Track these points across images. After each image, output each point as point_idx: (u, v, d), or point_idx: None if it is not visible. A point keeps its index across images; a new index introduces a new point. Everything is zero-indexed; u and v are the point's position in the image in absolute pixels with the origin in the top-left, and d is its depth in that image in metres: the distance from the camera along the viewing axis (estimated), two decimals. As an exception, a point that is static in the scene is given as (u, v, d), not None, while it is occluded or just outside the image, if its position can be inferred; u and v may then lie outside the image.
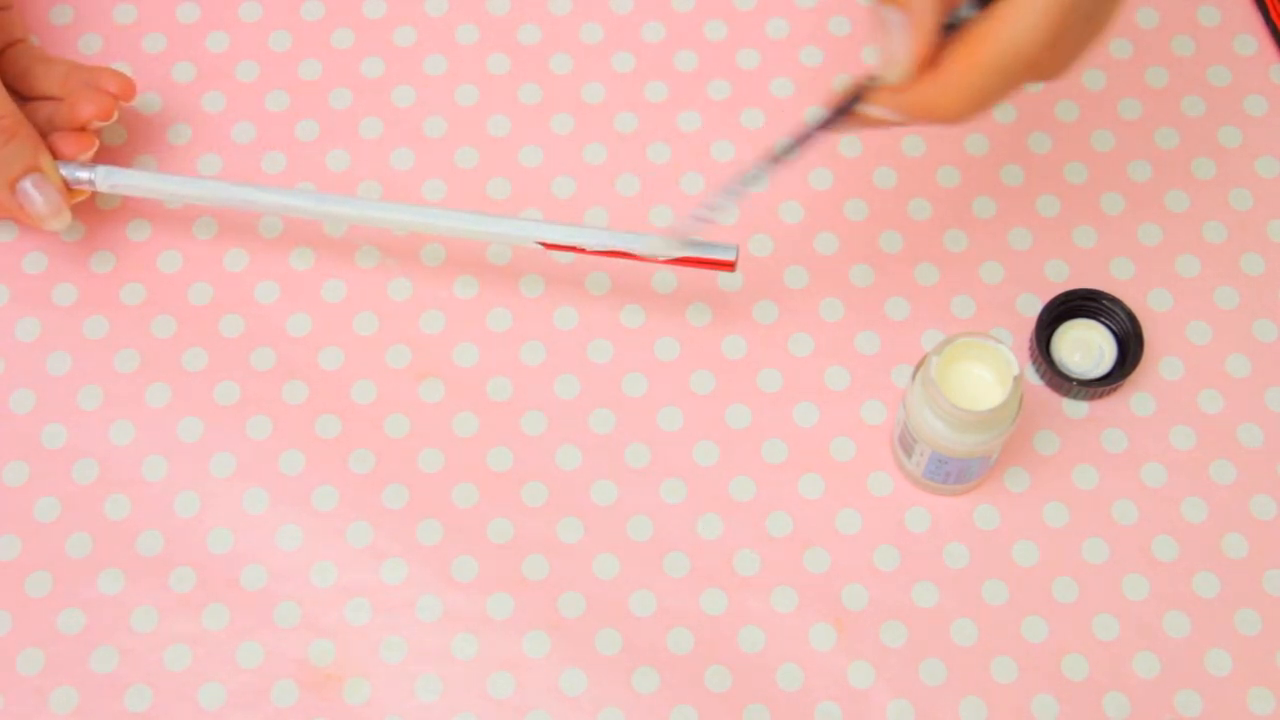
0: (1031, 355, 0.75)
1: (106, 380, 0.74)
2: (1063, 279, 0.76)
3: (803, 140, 0.66)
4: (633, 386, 0.75)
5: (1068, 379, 0.73)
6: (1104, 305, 0.75)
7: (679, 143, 0.79)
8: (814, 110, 0.64)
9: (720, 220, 0.70)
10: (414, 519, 0.72)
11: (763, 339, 0.75)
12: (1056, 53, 0.61)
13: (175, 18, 0.81)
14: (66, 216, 0.73)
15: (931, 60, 0.61)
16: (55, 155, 0.73)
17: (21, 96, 0.75)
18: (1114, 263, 0.77)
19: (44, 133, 0.73)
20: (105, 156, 0.77)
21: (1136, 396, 0.74)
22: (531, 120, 0.80)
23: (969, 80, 0.61)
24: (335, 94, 0.80)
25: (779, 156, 0.66)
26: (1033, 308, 0.75)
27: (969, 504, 0.72)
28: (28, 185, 0.72)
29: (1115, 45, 0.81)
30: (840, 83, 0.64)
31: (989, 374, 0.68)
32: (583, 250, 0.71)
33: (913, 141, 0.79)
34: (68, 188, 0.73)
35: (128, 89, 0.75)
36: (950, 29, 0.62)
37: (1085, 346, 0.75)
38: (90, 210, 0.77)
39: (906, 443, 0.70)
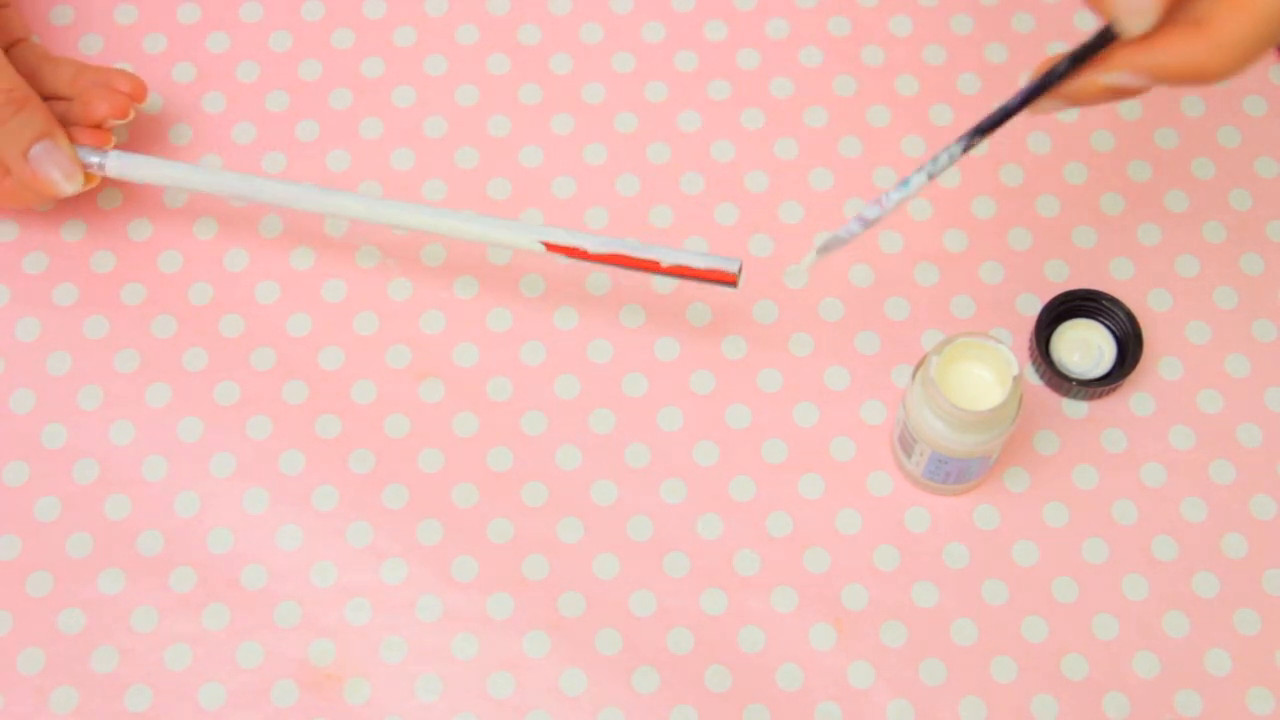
0: (1031, 355, 0.75)
1: (106, 380, 0.74)
2: (1062, 279, 0.76)
3: (1014, 111, 0.60)
4: (633, 386, 0.75)
5: (1067, 379, 0.73)
6: (1104, 305, 0.75)
7: (679, 143, 0.79)
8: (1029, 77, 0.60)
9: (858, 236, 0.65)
10: (414, 519, 0.72)
11: (763, 339, 0.75)
12: None
13: (176, 18, 0.82)
14: (80, 179, 0.73)
15: (1170, 4, 0.55)
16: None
17: None
18: (1114, 263, 0.77)
19: None
20: (105, 156, 0.77)
21: (1136, 396, 0.74)
22: (531, 120, 0.80)
23: (1243, 31, 0.55)
24: (335, 94, 0.80)
25: (974, 140, 0.61)
26: (1033, 308, 0.75)
27: (969, 504, 0.72)
28: (40, 151, 0.72)
29: (1115, 45, 0.81)
30: (1054, 49, 0.60)
31: (989, 374, 0.68)
32: (585, 254, 0.71)
33: (912, 141, 0.79)
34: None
35: (139, 89, 0.75)
36: None
37: (1085, 346, 0.75)
38: (91, 210, 0.77)
39: (906, 443, 0.70)
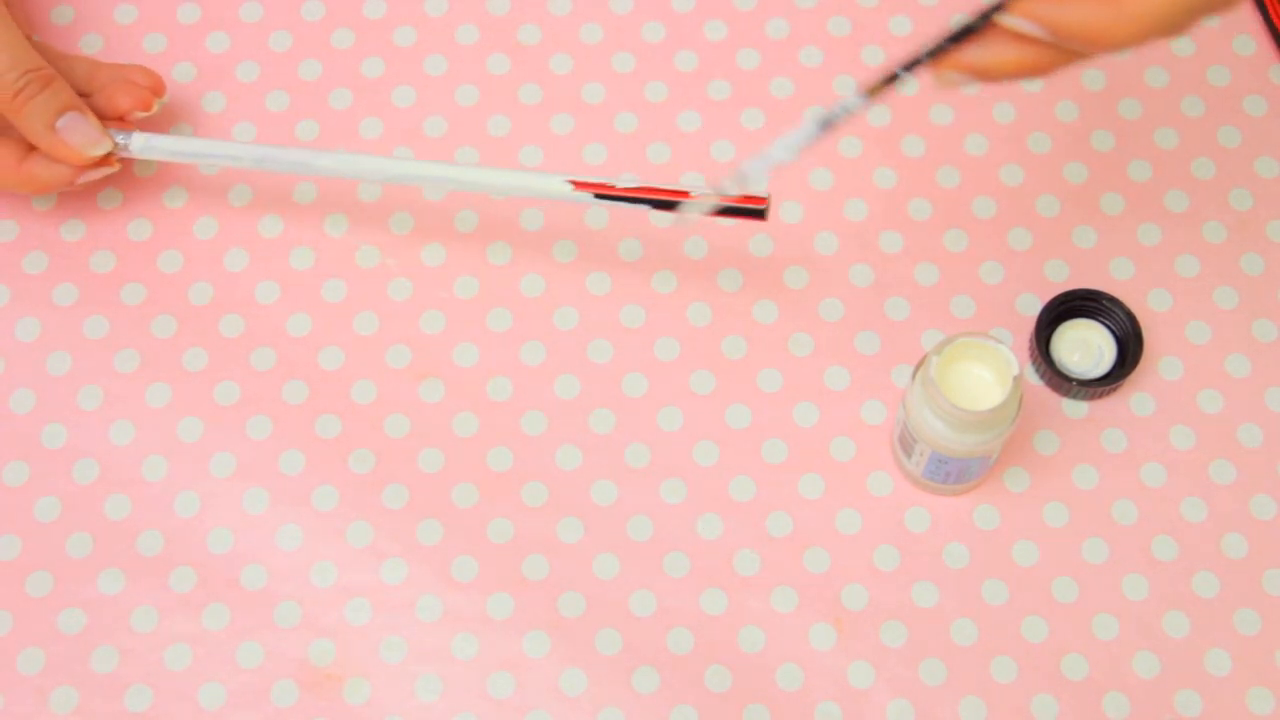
0: (1031, 355, 0.75)
1: (106, 380, 0.74)
2: (1062, 279, 0.76)
3: (929, 57, 0.60)
4: (633, 386, 0.75)
5: (1067, 379, 0.73)
6: (1104, 305, 0.75)
7: (679, 143, 0.79)
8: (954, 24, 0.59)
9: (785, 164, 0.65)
10: (414, 519, 0.72)
11: (763, 339, 0.75)
12: None
13: (176, 18, 0.82)
14: (107, 144, 0.73)
15: None
16: None
17: None
18: (1114, 263, 0.77)
19: None
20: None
21: (1136, 396, 0.74)
22: (531, 120, 0.80)
23: (1149, 5, 0.56)
24: (335, 94, 0.80)
25: (882, 87, 0.61)
26: (1033, 308, 0.75)
27: (969, 504, 0.72)
28: (67, 121, 0.72)
29: (1115, 45, 0.81)
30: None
31: (989, 374, 0.68)
32: (611, 190, 0.71)
33: (912, 141, 0.79)
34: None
35: (159, 84, 0.76)
36: None
37: (1085, 346, 0.75)
38: (91, 210, 0.77)
39: (906, 443, 0.70)
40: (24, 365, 0.75)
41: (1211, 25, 0.81)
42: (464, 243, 0.77)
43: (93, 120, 0.73)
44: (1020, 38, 0.58)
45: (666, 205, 0.71)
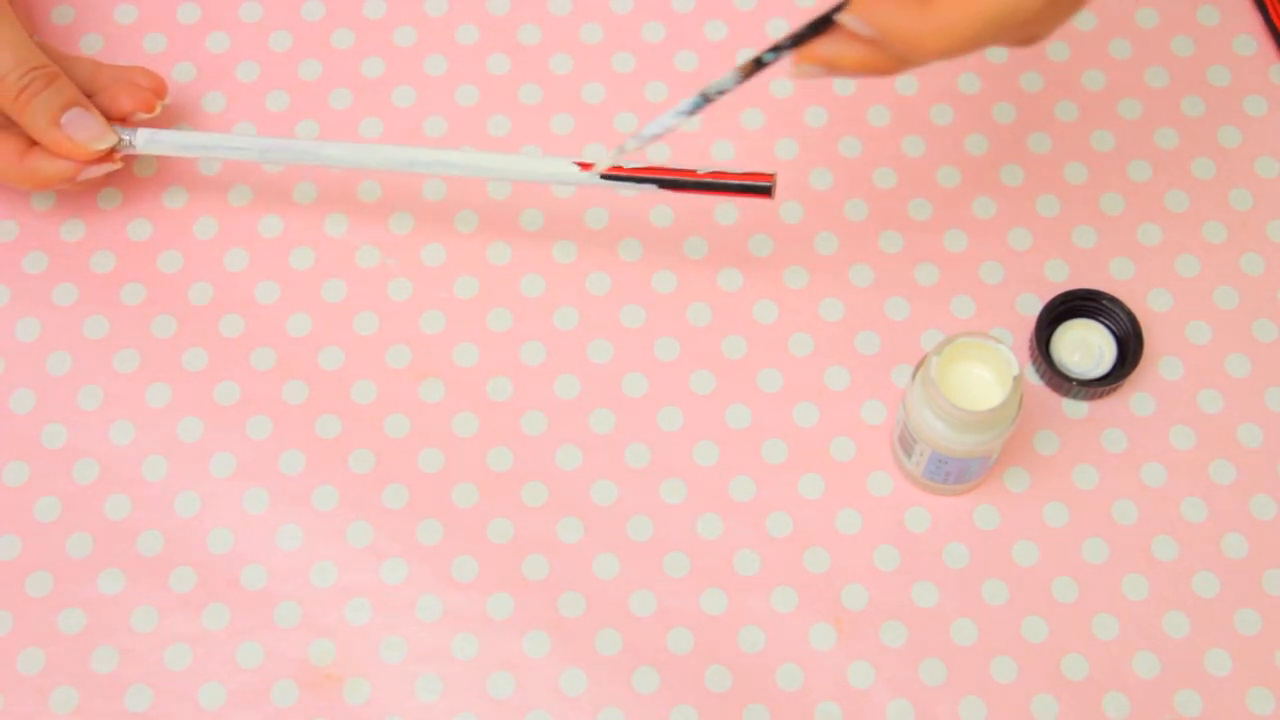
0: (1031, 355, 0.75)
1: (106, 380, 0.74)
2: (1063, 279, 0.76)
3: (779, 50, 0.64)
4: (633, 386, 0.75)
5: (1068, 379, 0.73)
6: (1104, 305, 0.75)
7: (679, 143, 0.79)
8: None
9: (671, 130, 0.68)
10: (414, 519, 0.72)
11: (763, 339, 0.75)
12: (1046, 17, 0.61)
13: (176, 18, 0.82)
14: (112, 138, 0.74)
15: None
16: None
17: None
18: (1114, 263, 0.77)
19: None
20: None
21: (1136, 396, 0.74)
22: (531, 120, 0.80)
23: (958, 22, 0.60)
24: (335, 94, 0.80)
25: (751, 68, 0.65)
26: (1033, 308, 0.75)
27: (969, 504, 0.72)
28: (71, 117, 0.73)
29: (1115, 45, 0.81)
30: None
31: (989, 374, 0.68)
32: (619, 168, 0.71)
33: (912, 141, 0.79)
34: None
35: (161, 85, 0.76)
36: None
37: (1085, 346, 0.75)
38: (91, 210, 0.77)
39: (906, 443, 0.70)
40: (24, 365, 0.75)
41: (1211, 25, 0.81)
42: (464, 243, 0.77)
43: (97, 115, 0.73)
44: (858, 37, 0.62)
45: (672, 184, 0.71)
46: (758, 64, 0.65)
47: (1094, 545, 0.72)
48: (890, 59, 0.62)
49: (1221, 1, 0.82)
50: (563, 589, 0.71)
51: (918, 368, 0.68)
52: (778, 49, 0.64)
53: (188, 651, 0.70)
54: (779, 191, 0.77)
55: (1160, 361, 0.75)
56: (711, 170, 0.71)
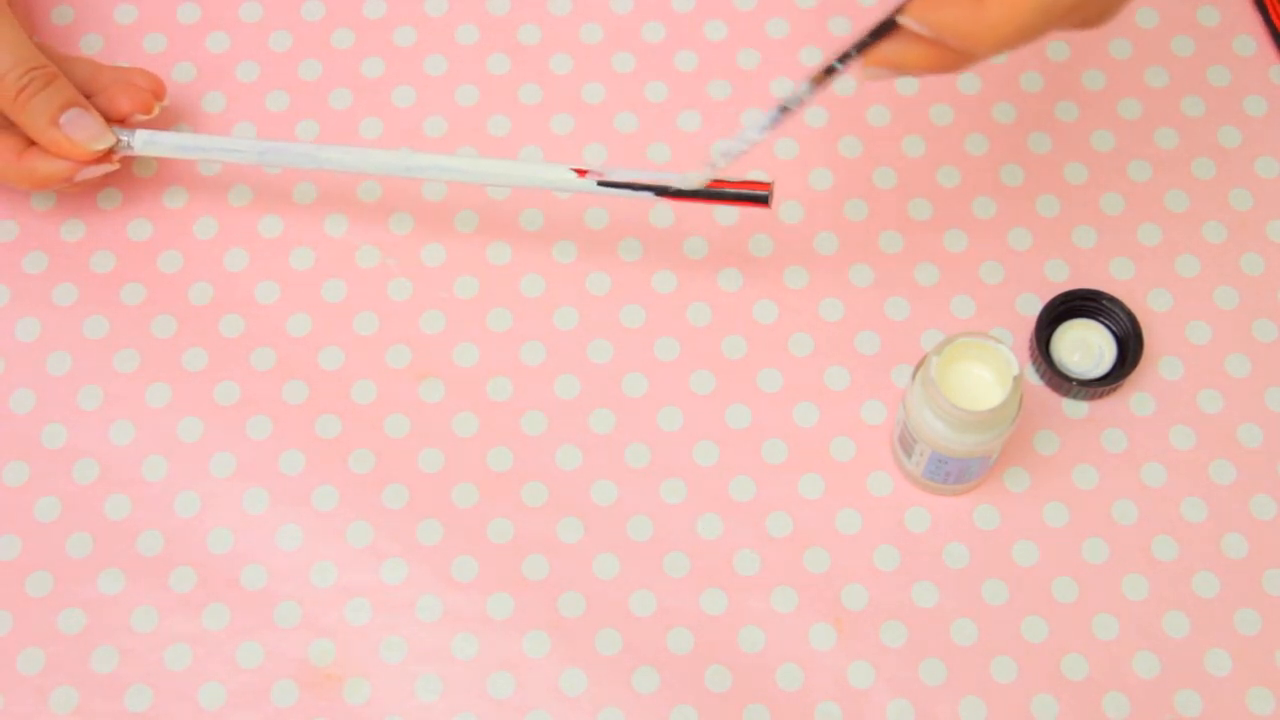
0: (1031, 355, 0.75)
1: (106, 380, 0.74)
2: (1063, 279, 0.76)
3: (847, 57, 0.65)
4: (633, 386, 0.75)
5: (1068, 379, 0.73)
6: (1104, 305, 0.75)
7: (679, 143, 0.79)
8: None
9: (756, 144, 0.69)
10: (414, 519, 0.72)
11: (763, 339, 0.75)
12: None
13: (175, 18, 0.82)
14: (111, 139, 0.74)
15: None
16: None
17: None
18: (1114, 263, 0.77)
19: None
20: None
21: (1136, 396, 0.74)
22: (531, 120, 0.80)
23: (1010, 15, 0.61)
24: (335, 94, 0.80)
25: (823, 77, 0.66)
26: (1033, 308, 0.75)
27: (969, 504, 0.72)
28: (70, 117, 0.73)
29: (1115, 45, 0.81)
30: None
31: (989, 374, 0.68)
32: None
33: (912, 141, 0.79)
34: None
35: (160, 87, 0.76)
36: None
37: (1085, 346, 0.75)
38: (91, 210, 0.77)
39: (906, 443, 0.70)
40: (24, 365, 0.75)
41: (1211, 25, 0.81)
42: (464, 243, 0.77)
43: (95, 115, 0.73)
44: (920, 38, 0.64)
45: (669, 193, 0.71)
46: (829, 71, 0.66)
47: (1094, 545, 0.72)
48: (952, 56, 0.64)
49: (1221, 1, 0.82)
50: (563, 589, 0.71)
51: (918, 368, 0.68)
52: (845, 56, 0.65)
53: (188, 651, 0.70)
54: (778, 192, 0.77)
55: (1160, 361, 0.75)
56: (709, 180, 0.71)
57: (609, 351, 0.75)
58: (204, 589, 0.71)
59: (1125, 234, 0.77)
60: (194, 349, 0.75)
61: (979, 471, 0.71)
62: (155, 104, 0.75)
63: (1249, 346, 0.75)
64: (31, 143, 0.73)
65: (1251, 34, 0.81)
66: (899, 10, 0.63)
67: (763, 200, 0.71)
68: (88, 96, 0.74)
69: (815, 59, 0.81)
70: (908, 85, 0.80)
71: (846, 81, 0.80)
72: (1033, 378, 0.75)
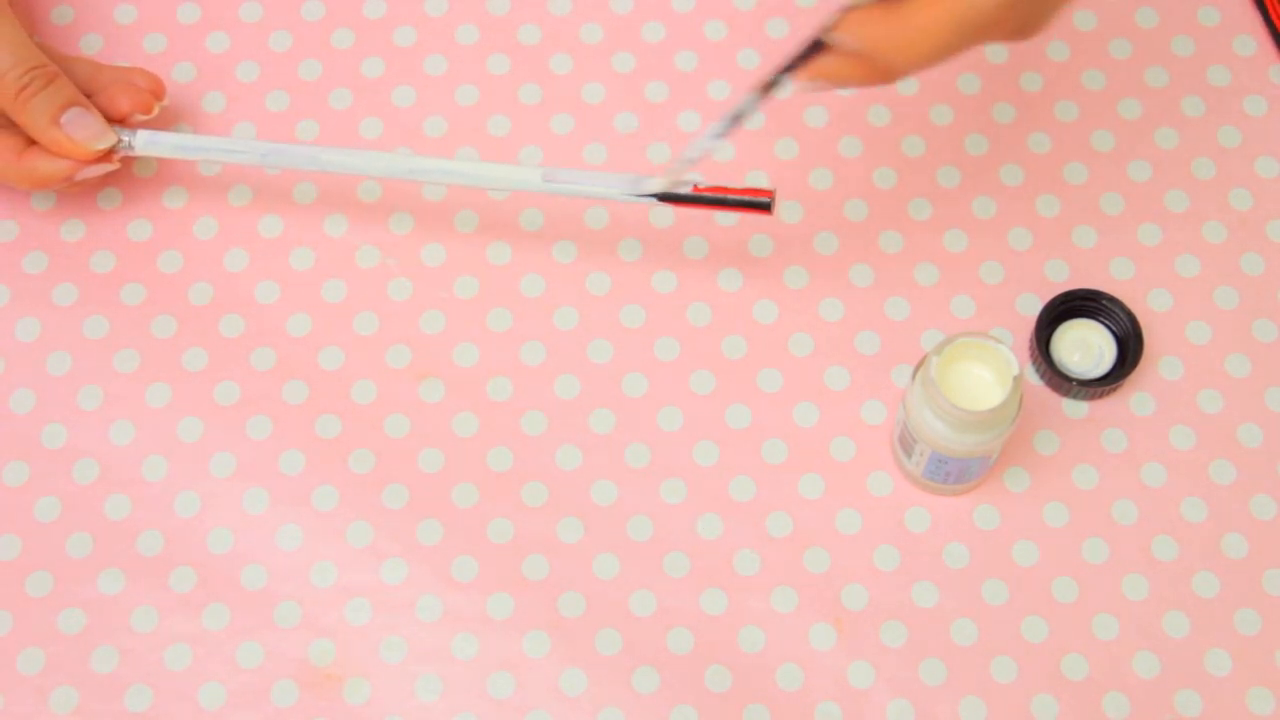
0: (1031, 355, 0.75)
1: (106, 380, 0.74)
2: (1063, 279, 0.76)
3: (788, 70, 0.67)
4: (633, 386, 0.75)
5: (1068, 379, 0.73)
6: (1104, 305, 0.75)
7: (679, 143, 0.79)
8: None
9: (712, 156, 0.71)
10: (414, 519, 0.72)
11: (763, 339, 0.75)
12: (1017, 13, 0.63)
13: (175, 18, 0.82)
14: (111, 137, 0.74)
15: None
16: None
17: None
18: (1114, 263, 0.77)
19: None
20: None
21: (1136, 396, 0.74)
22: (531, 120, 0.80)
23: (929, 30, 0.62)
24: (335, 94, 0.80)
25: (767, 89, 0.68)
26: (1033, 308, 0.75)
27: (969, 504, 0.72)
28: (71, 116, 0.73)
29: (1115, 45, 0.81)
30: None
31: (989, 374, 0.68)
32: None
33: (912, 141, 0.79)
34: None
35: (159, 87, 0.76)
36: None
37: (1085, 346, 0.75)
38: (91, 210, 0.77)
39: (906, 443, 0.70)
40: (24, 365, 0.75)
41: (1211, 25, 0.81)
42: (464, 243, 0.77)
43: (96, 115, 0.73)
44: (851, 53, 0.65)
45: (673, 199, 0.71)
46: (769, 86, 0.67)
47: (1094, 545, 0.72)
48: (882, 69, 0.65)
49: (1221, 1, 0.82)
50: (563, 589, 0.71)
51: (918, 368, 0.68)
52: (781, 72, 0.67)
53: (188, 651, 0.70)
54: (777, 192, 0.77)
55: (1160, 361, 0.75)
56: (712, 185, 0.71)
57: (609, 351, 0.75)
58: (204, 589, 0.71)
59: (1125, 234, 0.77)
60: (194, 349, 0.75)
61: (979, 471, 0.71)
62: (155, 104, 0.75)
63: (1249, 346, 0.75)
64: (32, 142, 0.73)
65: (1251, 34, 0.81)
66: (828, 29, 0.65)
67: (765, 207, 0.71)
68: (88, 96, 0.74)
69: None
70: (907, 85, 0.80)
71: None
72: (1033, 378, 0.75)
